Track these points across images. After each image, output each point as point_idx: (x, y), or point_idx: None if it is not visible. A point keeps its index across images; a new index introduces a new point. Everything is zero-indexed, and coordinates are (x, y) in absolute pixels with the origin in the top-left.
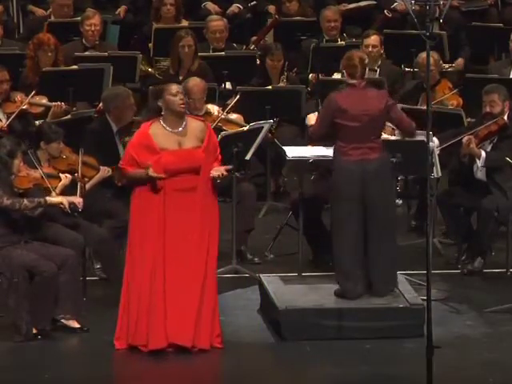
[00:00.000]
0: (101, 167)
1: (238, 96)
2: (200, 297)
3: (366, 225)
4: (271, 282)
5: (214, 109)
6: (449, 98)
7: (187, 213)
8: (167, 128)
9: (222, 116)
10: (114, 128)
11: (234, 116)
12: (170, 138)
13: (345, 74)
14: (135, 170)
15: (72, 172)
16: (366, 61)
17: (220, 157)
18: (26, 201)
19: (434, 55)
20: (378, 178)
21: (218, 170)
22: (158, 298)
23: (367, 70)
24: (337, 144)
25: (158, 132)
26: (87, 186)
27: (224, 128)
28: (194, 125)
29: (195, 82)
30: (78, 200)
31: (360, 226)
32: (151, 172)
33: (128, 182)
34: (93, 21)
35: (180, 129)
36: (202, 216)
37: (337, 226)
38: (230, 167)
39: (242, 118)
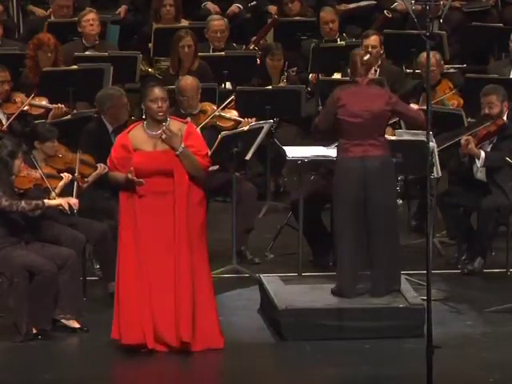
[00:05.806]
0: (97, 164)
1: (232, 96)
2: (185, 298)
3: (369, 224)
4: (271, 281)
5: (209, 107)
6: (449, 98)
7: (159, 215)
8: (147, 130)
9: (216, 113)
10: (110, 128)
11: (230, 113)
12: (148, 140)
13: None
14: (116, 172)
15: (69, 170)
16: (366, 57)
17: (204, 152)
18: (23, 203)
19: (436, 55)
20: (379, 176)
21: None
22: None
23: (372, 68)
24: (340, 141)
25: (137, 133)
26: (85, 185)
27: (219, 124)
28: (173, 127)
29: (187, 81)
30: (73, 201)
31: (362, 226)
32: (130, 176)
33: (112, 183)
34: (89, 16)
35: (159, 131)
36: (178, 219)
37: (339, 226)
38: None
39: (237, 115)
